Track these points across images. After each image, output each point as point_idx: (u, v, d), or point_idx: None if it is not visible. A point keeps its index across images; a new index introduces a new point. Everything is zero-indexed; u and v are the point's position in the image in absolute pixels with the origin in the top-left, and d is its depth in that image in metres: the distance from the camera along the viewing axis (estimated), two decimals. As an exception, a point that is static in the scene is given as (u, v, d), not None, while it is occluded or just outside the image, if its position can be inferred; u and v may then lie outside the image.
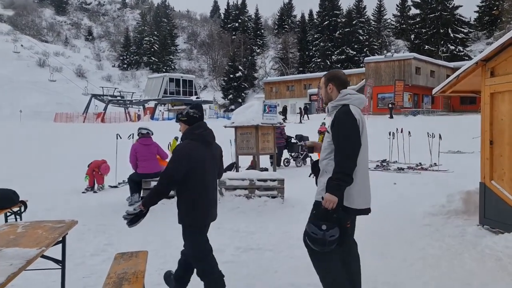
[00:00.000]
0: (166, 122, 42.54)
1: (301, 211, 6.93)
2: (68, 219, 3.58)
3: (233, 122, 11.69)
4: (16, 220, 5.66)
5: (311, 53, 71.28)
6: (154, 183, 7.32)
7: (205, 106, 56.23)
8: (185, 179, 3.15)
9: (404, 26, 67.21)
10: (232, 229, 5.86)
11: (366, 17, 70.07)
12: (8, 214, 5.74)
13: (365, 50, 64.15)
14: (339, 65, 64.40)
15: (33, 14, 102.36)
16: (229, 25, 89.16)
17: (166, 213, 6.81)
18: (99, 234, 5.72)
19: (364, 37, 66.11)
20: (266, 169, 11.26)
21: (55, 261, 3.22)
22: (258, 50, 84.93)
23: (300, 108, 38.48)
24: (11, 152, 18.47)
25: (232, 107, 63.67)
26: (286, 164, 14.20)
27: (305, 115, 36.55)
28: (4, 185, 5.98)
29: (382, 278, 4.02)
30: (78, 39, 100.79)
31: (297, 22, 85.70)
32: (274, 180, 7.42)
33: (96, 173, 9.81)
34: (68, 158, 16.25)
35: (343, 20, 67.77)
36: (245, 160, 12.86)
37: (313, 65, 69.46)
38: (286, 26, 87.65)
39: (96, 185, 9.80)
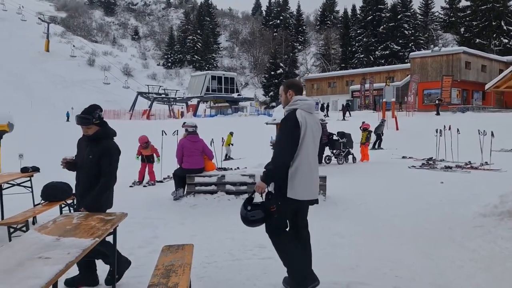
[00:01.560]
0: (208, 119, 43.23)
1: (343, 209, 6.86)
2: (118, 211, 3.74)
3: (275, 119, 11.70)
4: (69, 211, 5.97)
5: (353, 49, 69.90)
6: (198, 179, 7.49)
7: (246, 103, 56.71)
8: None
9: (453, 19, 64.42)
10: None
11: (412, 10, 67.68)
12: (63, 205, 6.07)
13: (410, 45, 62.08)
14: (382, 61, 62.79)
15: (84, 15, 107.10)
16: (270, 22, 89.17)
17: (208, 208, 6.96)
18: (146, 227, 5.92)
19: (410, 32, 63.96)
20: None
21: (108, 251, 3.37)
22: (299, 47, 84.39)
23: (342, 105, 37.89)
24: (62, 146, 19.43)
25: (273, 104, 63.66)
26: (327, 162, 14.05)
27: (348, 112, 35.94)
28: (57, 178, 6.31)
29: (428, 279, 3.91)
30: (125, 38, 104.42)
31: (340, 18, 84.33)
32: (316, 178, 7.36)
33: (140, 147, 10.23)
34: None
35: (388, 14, 65.88)
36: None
37: (356, 61, 68.11)
38: (328, 22, 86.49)
39: (145, 180, 10.15)
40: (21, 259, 2.27)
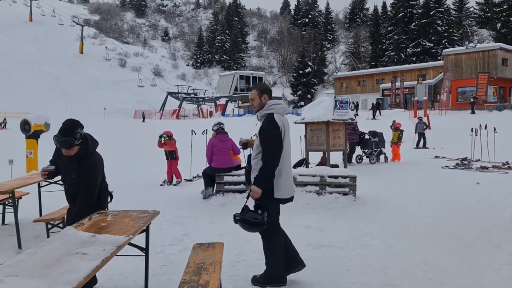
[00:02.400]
0: (236, 118, 43.46)
1: (374, 210, 6.75)
2: (150, 209, 3.81)
3: (303, 118, 11.63)
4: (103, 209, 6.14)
5: (384, 47, 68.57)
6: (226, 178, 7.55)
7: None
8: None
9: (489, 14, 62.19)
10: (303, 225, 5.85)
11: (445, 6, 65.69)
12: (97, 203, 6.24)
13: (443, 41, 60.32)
14: (414, 58, 61.33)
15: (116, 18, 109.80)
16: (299, 21, 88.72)
17: (237, 207, 7.00)
18: (176, 225, 6.01)
19: (443, 28, 62.14)
20: (336, 166, 11.08)
21: (140, 248, 3.45)
22: (328, 45, 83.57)
23: (372, 104, 37.25)
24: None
25: (301, 103, 63.34)
26: (358, 161, 13.85)
27: (378, 111, 35.31)
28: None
29: (462, 282, 3.80)
30: (155, 39, 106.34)
31: (370, 15, 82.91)
32: (345, 177, 7.28)
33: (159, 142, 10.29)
34: (145, 153, 17.22)
35: (420, 11, 64.22)
36: (315, 156, 12.75)
37: (386, 58, 66.79)
38: (358, 19, 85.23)
39: (174, 179, 10.29)
40: (60, 254, 2.36)
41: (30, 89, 64.44)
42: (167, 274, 4.12)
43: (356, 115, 30.76)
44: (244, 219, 3.44)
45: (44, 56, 79.27)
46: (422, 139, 18.71)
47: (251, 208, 3.53)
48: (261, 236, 3.70)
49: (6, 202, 5.85)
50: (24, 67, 72.69)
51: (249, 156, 3.89)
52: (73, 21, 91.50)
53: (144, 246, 3.50)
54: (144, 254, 3.55)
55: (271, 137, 3.47)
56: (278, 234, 3.71)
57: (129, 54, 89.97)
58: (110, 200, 6.28)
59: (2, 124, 34.35)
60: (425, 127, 19.44)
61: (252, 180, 3.57)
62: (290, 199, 3.77)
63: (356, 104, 41.49)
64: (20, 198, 6.06)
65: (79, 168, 3.43)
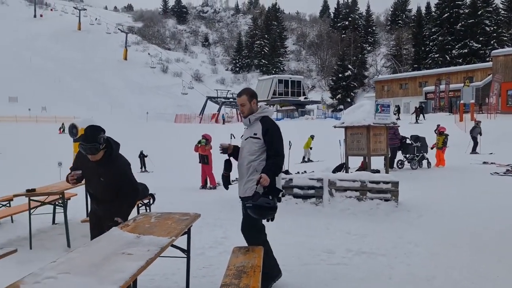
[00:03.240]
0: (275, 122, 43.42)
1: (417, 216, 6.55)
2: (192, 212, 3.89)
3: (343, 122, 11.49)
4: (146, 210, 6.32)
5: (427, 49, 66.41)
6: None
7: (313, 106, 56.26)
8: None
9: (541, 12, 58.88)
10: (343, 230, 5.77)
11: (494, 5, 62.86)
12: (140, 205, 6.44)
13: (492, 42, 57.67)
14: (460, 60, 59.01)
15: (158, 24, 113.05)
16: (338, 24, 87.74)
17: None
18: (216, 228, 6.09)
19: (491, 28, 59.43)
20: (378, 171, 10.84)
21: (182, 250, 3.53)
22: (368, 48, 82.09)
23: (415, 107, 36.17)
24: (137, 151, 20.69)
25: (341, 107, 62.49)
26: (400, 166, 13.49)
27: (421, 115, 34.22)
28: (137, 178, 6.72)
29: None
30: (196, 45, 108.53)
31: (412, 17, 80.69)
32: (387, 183, 7.11)
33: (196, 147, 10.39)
34: (185, 157, 17.56)
35: (466, 11, 61.79)
36: (355, 161, 12.54)
37: (430, 61, 64.63)
38: (400, 21, 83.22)
39: (208, 185, 10.37)
40: (107, 254, 2.46)
41: (79, 94, 67.53)
42: (208, 276, 4.17)
43: (398, 119, 30.00)
44: (256, 205, 3.45)
45: (91, 62, 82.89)
46: (475, 143, 17.90)
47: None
48: (247, 238, 3.78)
49: (56, 203, 6.15)
50: (73, 74, 76.32)
51: (227, 161, 3.89)
52: (118, 28, 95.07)
53: (185, 248, 3.58)
54: (185, 256, 3.62)
55: (277, 133, 3.69)
56: (263, 232, 3.83)
57: (171, 60, 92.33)
58: (153, 202, 6.49)
59: (61, 129, 36.17)
60: (480, 132, 18.49)
61: (241, 180, 3.75)
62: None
63: (397, 107, 40.44)
64: (69, 199, 6.36)
65: (109, 171, 3.53)
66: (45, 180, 8.13)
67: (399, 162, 13.59)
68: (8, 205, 6.72)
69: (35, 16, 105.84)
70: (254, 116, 3.73)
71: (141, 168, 17.41)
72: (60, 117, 43.97)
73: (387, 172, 11.06)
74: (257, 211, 3.48)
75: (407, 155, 13.59)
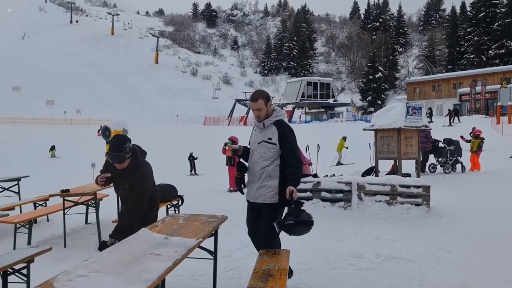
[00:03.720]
0: (303, 125, 43.28)
1: (450, 222, 6.36)
2: (219, 214, 3.93)
3: (373, 125, 11.29)
4: (174, 212, 6.42)
5: (462, 49, 64.50)
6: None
7: (342, 109, 55.64)
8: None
9: None
10: (372, 235, 5.67)
11: (532, 3, 60.42)
12: (169, 206, 6.55)
13: (530, 41, 55.45)
14: (497, 61, 56.97)
15: (188, 28, 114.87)
16: (369, 25, 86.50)
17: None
18: (243, 230, 6.06)
19: (530, 27, 57.15)
20: (408, 175, 10.60)
21: (209, 252, 3.56)
22: (400, 49, 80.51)
23: (449, 110, 35.15)
24: (167, 153, 21.11)
25: (371, 109, 61.50)
26: (432, 170, 13.14)
27: (455, 117, 33.20)
28: (164, 181, 6.83)
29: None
30: (225, 48, 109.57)
31: (446, 17, 78.63)
32: (418, 187, 6.94)
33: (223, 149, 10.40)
34: (214, 159, 17.72)
35: (503, 10, 59.62)
36: (385, 165, 12.31)
37: (465, 61, 62.75)
38: (433, 21, 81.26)
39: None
40: (136, 254, 2.51)
41: (111, 97, 69.46)
42: (234, 279, 4.19)
43: (430, 121, 29.25)
44: (300, 221, 3.31)
45: (124, 66, 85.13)
46: None
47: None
48: (263, 242, 3.62)
49: (89, 203, 6.34)
50: (106, 78, 78.62)
51: (239, 163, 3.75)
52: (149, 33, 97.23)
53: (212, 250, 3.61)
54: (212, 258, 3.65)
55: (293, 139, 3.57)
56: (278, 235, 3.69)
57: (200, 63, 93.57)
58: (181, 204, 6.58)
59: (100, 131, 37.43)
60: None
61: (277, 190, 3.53)
62: None
63: (430, 110, 39.42)
64: (101, 199, 6.54)
65: (131, 178, 3.67)
66: (79, 181, 8.40)
67: (431, 166, 13.24)
68: (44, 204, 6.98)
69: (71, 22, 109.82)
70: (269, 121, 3.56)
71: (191, 171, 17.41)
72: (93, 120, 45.31)
73: (418, 176, 10.79)
74: (301, 228, 3.35)
75: (440, 159, 13.22)
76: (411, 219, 6.50)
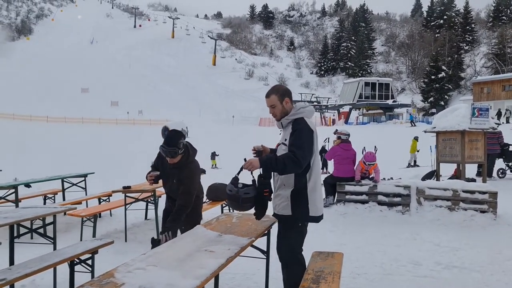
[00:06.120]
0: (360, 126, 42.25)
1: (519, 232, 5.92)
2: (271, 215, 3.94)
3: (435, 127, 10.78)
4: (229, 211, 6.54)
5: (537, 46, 59.78)
6: (348, 187, 7.39)
7: (402, 110, 53.59)
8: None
9: None
10: (432, 242, 5.42)
11: None
12: (223, 205, 6.69)
13: None
14: None
15: (245, 30, 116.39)
16: (432, 23, 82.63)
17: (359, 218, 6.80)
18: (297, 232, 6.07)
19: None
20: (473, 180, 10.00)
21: (261, 251, 3.59)
22: (466, 47, 76.04)
23: (520, 111, 32.74)
24: (223, 153, 21.51)
25: (433, 110, 58.69)
26: (501, 175, 12.28)
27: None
28: (220, 180, 7.00)
29: None
30: (281, 49, 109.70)
31: (519, 11, 73.25)
32: (484, 193, 6.53)
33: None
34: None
35: None
36: (447, 169, 11.69)
37: (540, 59, 58.11)
38: (503, 17, 75.95)
39: None
40: (191, 250, 2.60)
41: (171, 98, 72.06)
42: (286, 279, 4.19)
43: (498, 124, 27.37)
44: (229, 190, 2.97)
45: (183, 68, 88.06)
46: None
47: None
48: (282, 263, 3.15)
49: (149, 200, 6.63)
50: (167, 79, 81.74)
51: (260, 175, 3.06)
52: (208, 35, 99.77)
53: (265, 250, 3.64)
54: (265, 257, 3.68)
55: (304, 138, 2.96)
56: (303, 263, 3.15)
57: (256, 64, 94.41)
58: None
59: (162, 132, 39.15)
60: None
61: (289, 200, 3.03)
62: (321, 217, 3.16)
63: (498, 111, 36.91)
64: (160, 196, 6.80)
65: (180, 174, 3.71)
66: (140, 178, 8.81)
67: (500, 170, 12.39)
68: (108, 200, 7.41)
69: (134, 26, 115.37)
70: (286, 120, 3.09)
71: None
72: (154, 120, 47.25)
73: (484, 181, 10.14)
74: (245, 204, 2.96)
75: (510, 163, 12.34)
76: (475, 227, 6.13)
